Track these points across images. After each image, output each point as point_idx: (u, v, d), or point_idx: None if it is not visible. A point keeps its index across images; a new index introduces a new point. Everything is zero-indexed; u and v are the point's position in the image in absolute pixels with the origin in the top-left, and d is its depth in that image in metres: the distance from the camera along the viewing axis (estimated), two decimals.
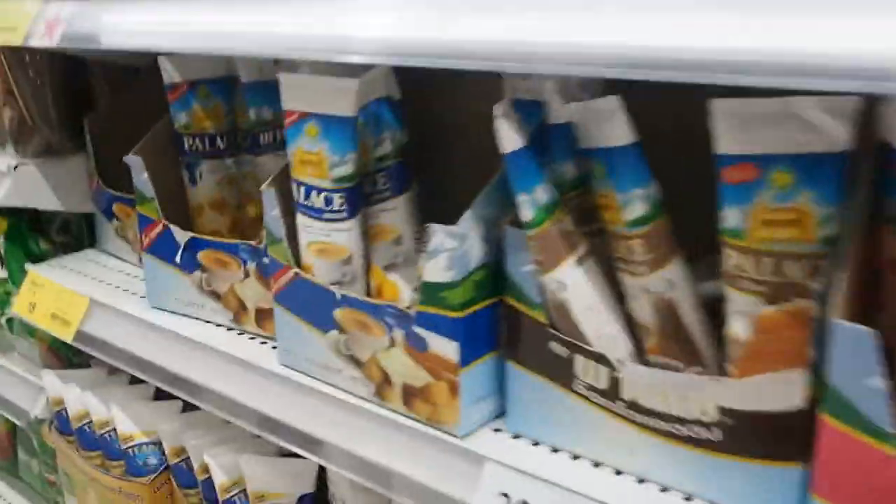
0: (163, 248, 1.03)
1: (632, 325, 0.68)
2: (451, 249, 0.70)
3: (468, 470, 0.73)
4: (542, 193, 0.67)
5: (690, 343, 0.66)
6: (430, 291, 0.73)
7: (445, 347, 0.73)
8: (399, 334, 0.77)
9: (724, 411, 0.61)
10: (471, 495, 0.72)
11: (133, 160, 1.02)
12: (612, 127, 0.64)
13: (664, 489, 0.67)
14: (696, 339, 0.66)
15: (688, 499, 0.66)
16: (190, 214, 1.08)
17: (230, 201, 1.08)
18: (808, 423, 0.57)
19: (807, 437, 0.57)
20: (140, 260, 1.12)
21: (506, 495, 0.70)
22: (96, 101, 1.30)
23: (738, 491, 0.62)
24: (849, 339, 0.50)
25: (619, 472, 0.69)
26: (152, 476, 1.16)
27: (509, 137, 0.66)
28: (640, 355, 0.68)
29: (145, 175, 1.02)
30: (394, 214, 0.86)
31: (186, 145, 1.04)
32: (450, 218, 0.71)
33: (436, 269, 0.72)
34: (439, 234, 0.71)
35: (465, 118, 0.95)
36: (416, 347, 0.75)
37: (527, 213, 0.67)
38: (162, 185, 1.04)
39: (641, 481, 0.68)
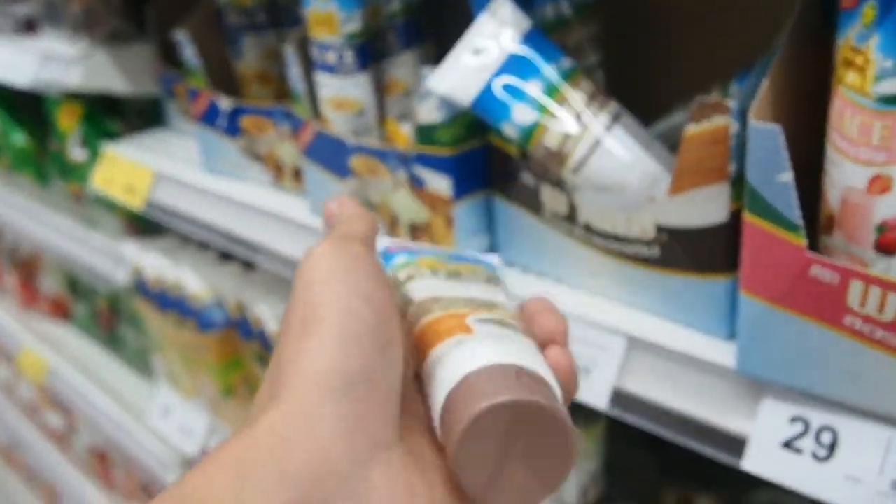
0: (210, 117, 1.12)
1: None
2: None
3: None
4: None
5: None
6: (424, 132, 0.79)
7: (440, 183, 0.80)
8: (402, 175, 0.83)
9: (660, 228, 0.66)
10: None
11: (179, 35, 1.10)
12: None
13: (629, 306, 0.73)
14: None
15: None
16: (237, 88, 1.16)
17: (273, 73, 1.16)
18: (733, 236, 0.61)
19: (733, 249, 0.62)
20: None
21: None
22: None
23: (676, 302, 0.68)
24: (760, 137, 0.54)
25: (592, 294, 0.75)
26: (219, 330, 1.28)
27: None
28: None
29: (191, 49, 1.10)
30: (404, 69, 0.92)
31: (228, 20, 1.12)
32: None
33: (427, 111, 0.78)
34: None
35: None
36: (417, 185, 0.82)
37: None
38: (210, 61, 1.12)
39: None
